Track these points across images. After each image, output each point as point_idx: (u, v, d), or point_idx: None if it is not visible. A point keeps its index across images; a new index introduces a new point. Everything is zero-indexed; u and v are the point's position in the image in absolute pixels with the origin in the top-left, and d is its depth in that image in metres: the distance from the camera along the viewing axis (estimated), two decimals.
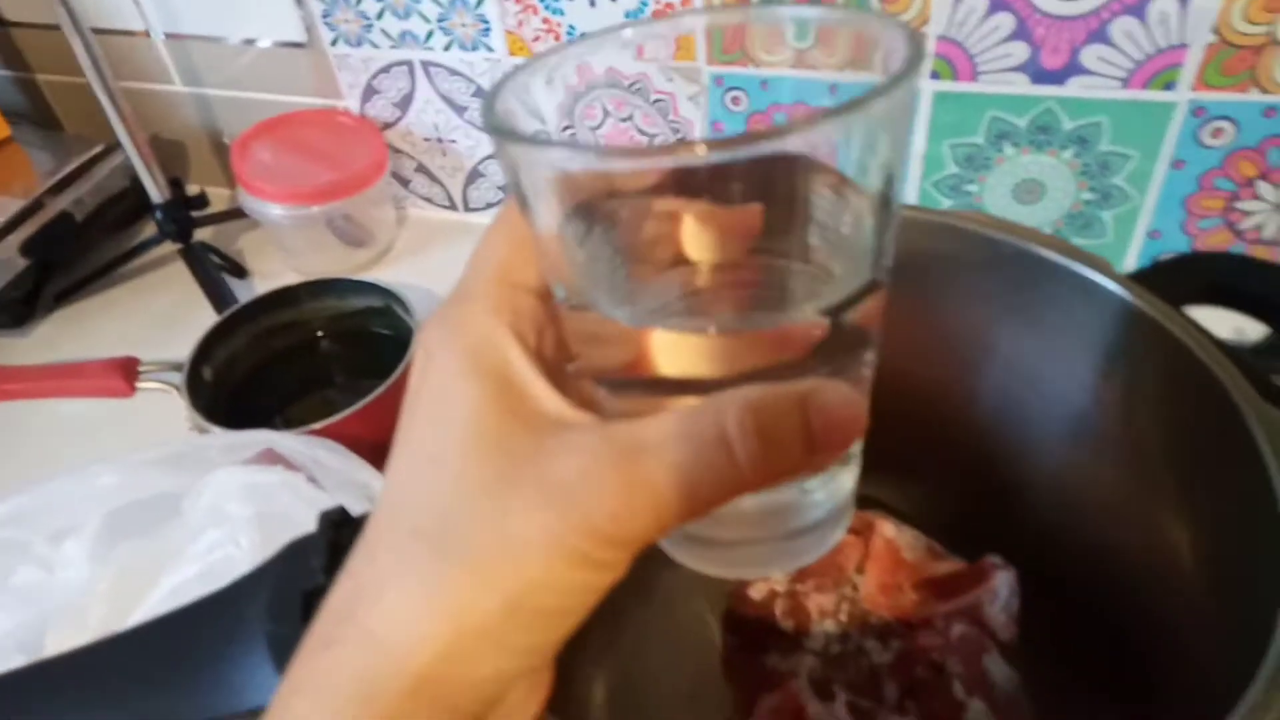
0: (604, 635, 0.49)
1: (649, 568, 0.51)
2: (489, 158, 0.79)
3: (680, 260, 0.22)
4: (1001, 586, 0.42)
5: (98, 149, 0.83)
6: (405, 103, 0.78)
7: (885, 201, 0.21)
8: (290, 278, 0.69)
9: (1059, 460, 0.44)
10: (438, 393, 0.22)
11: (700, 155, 0.17)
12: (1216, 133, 0.60)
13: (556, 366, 0.23)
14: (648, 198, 0.21)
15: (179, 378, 0.61)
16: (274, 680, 0.29)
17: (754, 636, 0.44)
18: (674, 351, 0.22)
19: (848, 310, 0.21)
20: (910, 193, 0.69)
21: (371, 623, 0.20)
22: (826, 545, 0.26)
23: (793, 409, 0.19)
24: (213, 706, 0.30)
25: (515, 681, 0.22)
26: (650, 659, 0.48)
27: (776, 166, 0.19)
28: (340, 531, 0.32)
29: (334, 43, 0.76)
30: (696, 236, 0.22)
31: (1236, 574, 0.34)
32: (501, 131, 0.20)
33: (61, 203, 0.79)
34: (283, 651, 0.29)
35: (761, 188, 0.20)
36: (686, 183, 0.19)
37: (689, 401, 0.20)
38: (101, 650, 0.33)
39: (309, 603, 0.30)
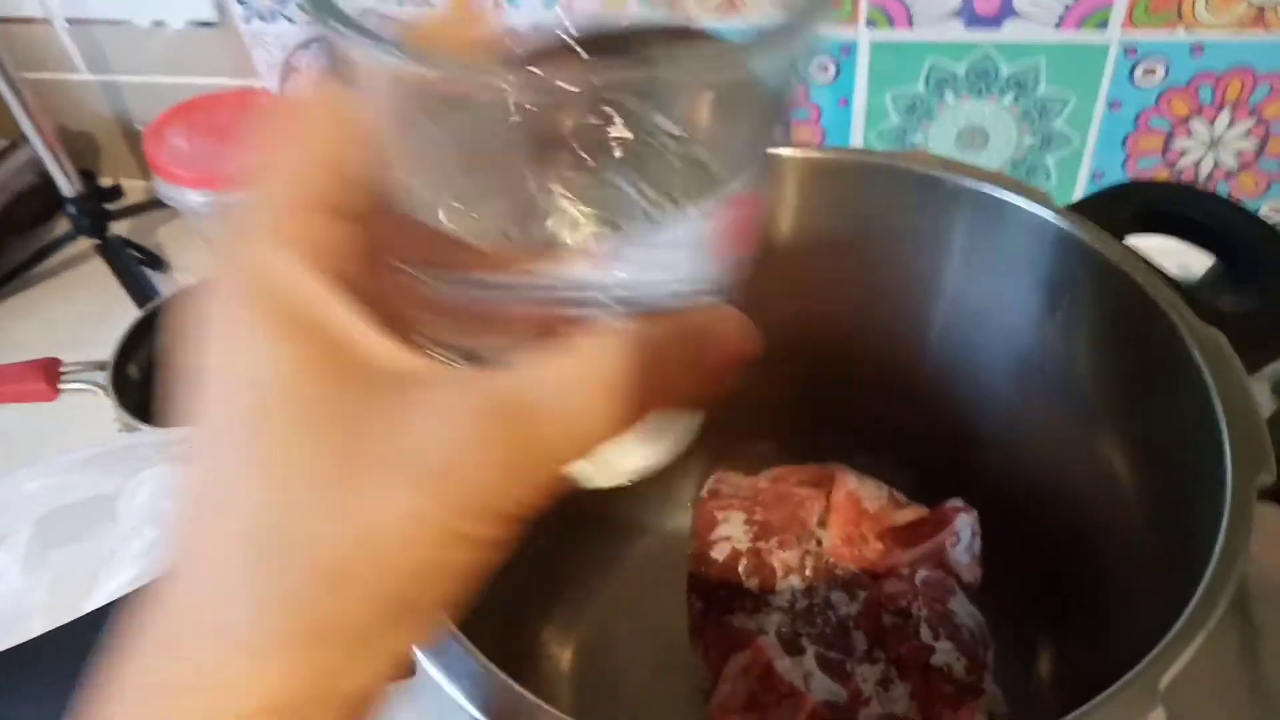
0: (570, 608, 0.48)
1: (615, 537, 0.51)
2: None
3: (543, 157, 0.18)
4: (963, 529, 0.42)
5: (2, 145, 0.79)
6: None
7: (766, 103, 0.18)
8: None
9: (1008, 401, 0.44)
10: (237, 358, 0.17)
11: (569, 81, 0.14)
12: (1149, 72, 0.61)
13: (382, 306, 0.18)
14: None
15: (104, 377, 0.58)
16: None
17: (720, 599, 0.43)
18: (539, 264, 0.17)
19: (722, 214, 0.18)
20: (855, 144, 0.68)
21: (204, 658, 0.16)
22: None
23: (685, 343, 0.18)
24: None
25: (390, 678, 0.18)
26: (618, 629, 0.47)
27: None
28: None
29: (248, 20, 0.73)
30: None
31: (1176, 499, 0.34)
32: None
33: None
34: None
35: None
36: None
37: (558, 331, 0.17)
38: (46, 644, 0.31)
39: None
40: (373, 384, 0.17)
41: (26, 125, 0.72)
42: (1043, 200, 0.38)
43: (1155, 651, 0.24)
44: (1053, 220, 0.38)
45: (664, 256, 0.18)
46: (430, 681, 0.27)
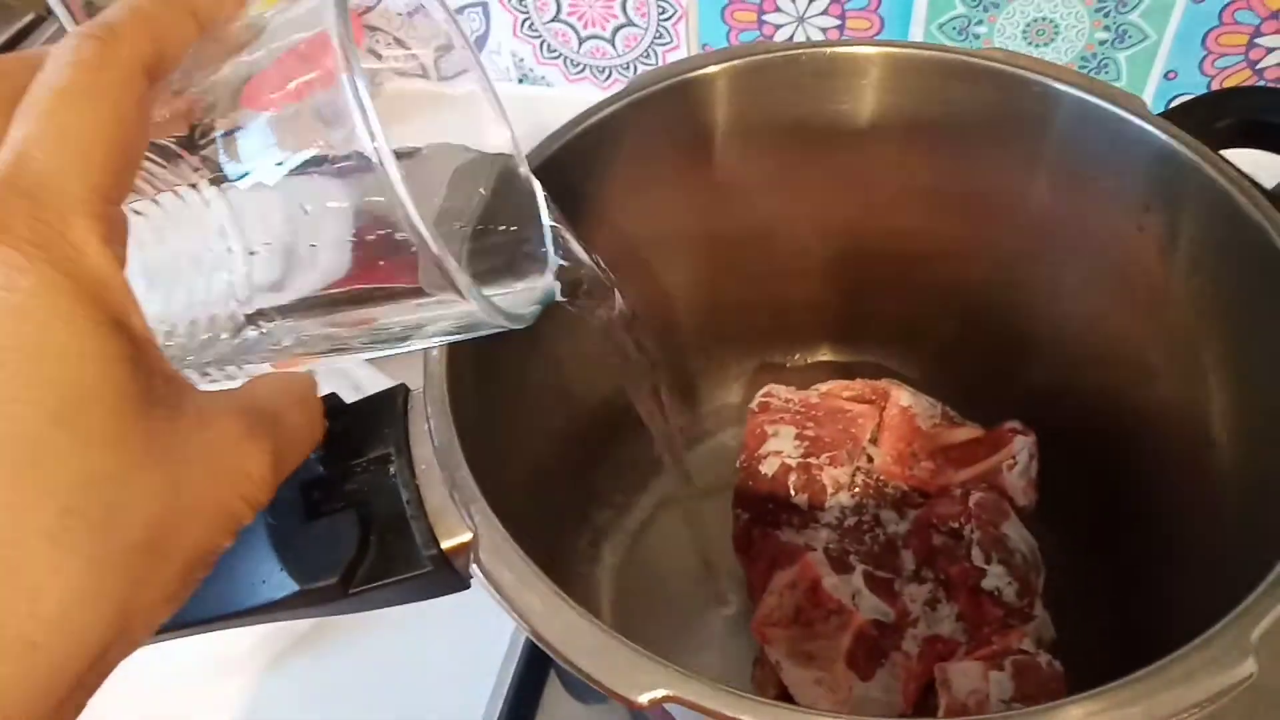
0: (611, 516, 0.48)
1: (647, 458, 0.50)
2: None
3: None
4: (1021, 452, 0.41)
5: (28, 18, 0.76)
6: None
7: None
8: None
9: (1086, 318, 0.42)
10: (58, 346, 0.17)
11: None
12: None
13: None
14: None
15: None
16: (280, 575, 0.28)
17: (766, 512, 0.43)
18: None
19: None
20: (914, 36, 0.64)
21: (31, 630, 0.16)
22: None
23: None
24: (220, 604, 0.29)
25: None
26: (660, 539, 0.47)
27: None
28: (335, 419, 0.30)
29: None
30: None
31: (1273, 435, 0.32)
32: None
33: None
34: (285, 545, 0.28)
35: None
36: None
37: None
38: None
39: (308, 494, 0.29)
40: (166, 385, 0.19)
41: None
42: (1138, 107, 0.36)
43: (1248, 601, 0.23)
44: (1148, 129, 0.35)
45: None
46: (475, 587, 0.27)
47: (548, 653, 0.24)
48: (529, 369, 0.40)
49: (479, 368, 0.33)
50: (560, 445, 0.43)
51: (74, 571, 0.17)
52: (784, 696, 0.38)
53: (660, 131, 0.41)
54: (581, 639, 0.23)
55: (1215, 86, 0.63)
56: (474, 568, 0.26)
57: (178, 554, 0.19)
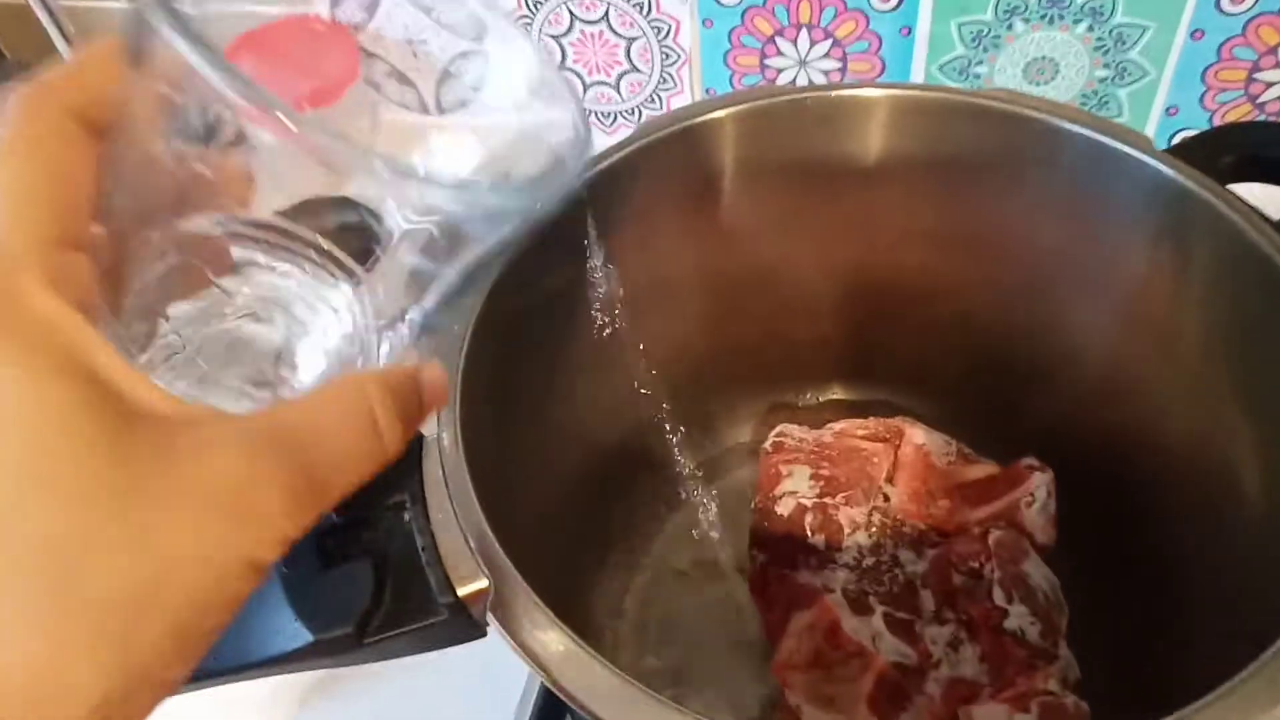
0: (627, 559, 0.48)
1: (674, 488, 0.50)
2: (460, 55, 0.75)
3: None
4: (1039, 489, 0.41)
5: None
6: (373, 4, 0.73)
7: None
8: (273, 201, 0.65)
9: (1097, 348, 0.41)
10: (9, 394, 0.17)
11: None
12: None
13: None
14: None
15: None
16: (294, 625, 0.28)
17: (784, 553, 0.42)
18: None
19: None
20: (915, 77, 0.65)
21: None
22: None
23: (413, 385, 0.21)
24: (233, 656, 0.29)
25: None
26: (676, 582, 0.47)
27: None
28: None
29: None
30: None
31: None
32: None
33: None
34: (299, 594, 0.28)
35: None
36: None
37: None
38: None
39: (322, 542, 0.29)
40: (146, 424, 0.17)
41: (68, 55, 0.71)
42: (1144, 145, 0.36)
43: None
44: (1155, 165, 0.35)
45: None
46: (491, 634, 0.27)
47: (566, 701, 0.23)
48: (546, 411, 0.40)
49: (495, 410, 0.33)
50: (576, 487, 0.43)
51: (36, 640, 0.16)
52: None
53: (668, 176, 0.42)
54: (600, 687, 0.23)
55: (1217, 121, 0.63)
56: (490, 616, 0.25)
57: (169, 607, 0.17)
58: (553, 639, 0.24)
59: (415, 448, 0.30)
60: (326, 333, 0.22)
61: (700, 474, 0.51)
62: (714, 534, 0.48)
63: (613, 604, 0.46)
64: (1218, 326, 0.35)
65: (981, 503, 0.42)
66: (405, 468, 0.30)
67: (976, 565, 0.39)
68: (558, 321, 0.41)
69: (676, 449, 0.50)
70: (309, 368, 0.22)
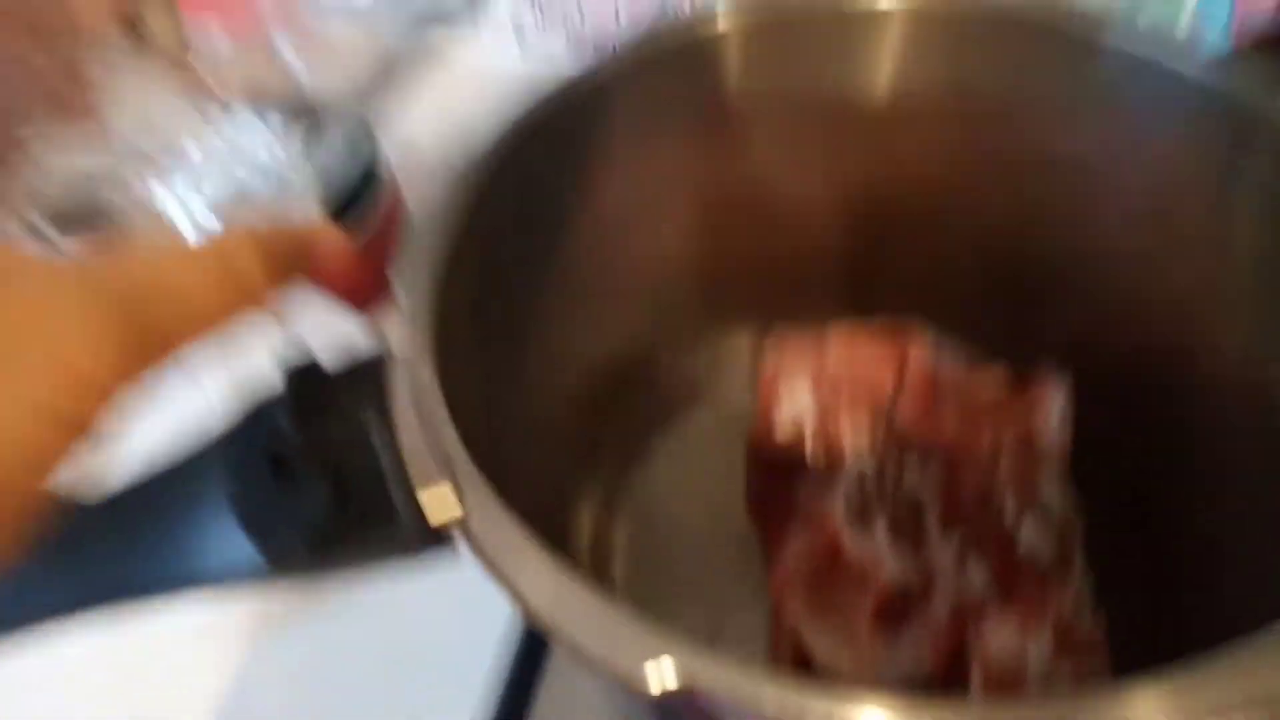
0: (616, 479, 0.46)
1: (663, 404, 0.48)
2: None
3: None
4: (1054, 401, 0.38)
5: None
6: None
7: None
8: None
9: (1128, 256, 0.38)
10: None
11: None
12: None
13: None
14: None
15: None
16: (240, 543, 0.26)
17: (781, 473, 0.40)
18: None
19: None
20: None
21: None
22: None
23: (292, 242, 0.22)
24: (179, 573, 0.28)
25: None
26: (668, 502, 0.45)
27: None
28: (310, 385, 0.28)
29: None
30: None
31: None
32: None
33: None
34: (249, 513, 0.26)
35: None
36: None
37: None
38: (62, 522, 0.30)
39: (276, 464, 0.26)
40: None
41: None
42: (1188, 53, 0.32)
43: None
44: (1197, 76, 0.32)
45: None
46: (464, 559, 0.25)
47: (548, 632, 0.21)
48: (529, 328, 0.37)
49: (473, 326, 0.31)
50: (562, 407, 0.40)
51: None
52: (803, 663, 0.36)
53: (665, 91, 0.39)
54: (578, 611, 0.21)
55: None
56: (459, 535, 0.23)
57: None
58: (528, 558, 0.22)
59: (383, 366, 0.27)
60: (200, 177, 0.21)
61: (695, 395, 0.49)
62: (709, 456, 0.46)
63: (602, 527, 0.44)
64: (1273, 246, 0.32)
65: (992, 414, 0.39)
66: (370, 385, 0.27)
67: (986, 481, 0.37)
68: (544, 234, 0.38)
69: (668, 370, 0.48)
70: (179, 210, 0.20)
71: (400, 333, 0.28)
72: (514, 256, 0.36)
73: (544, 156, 0.36)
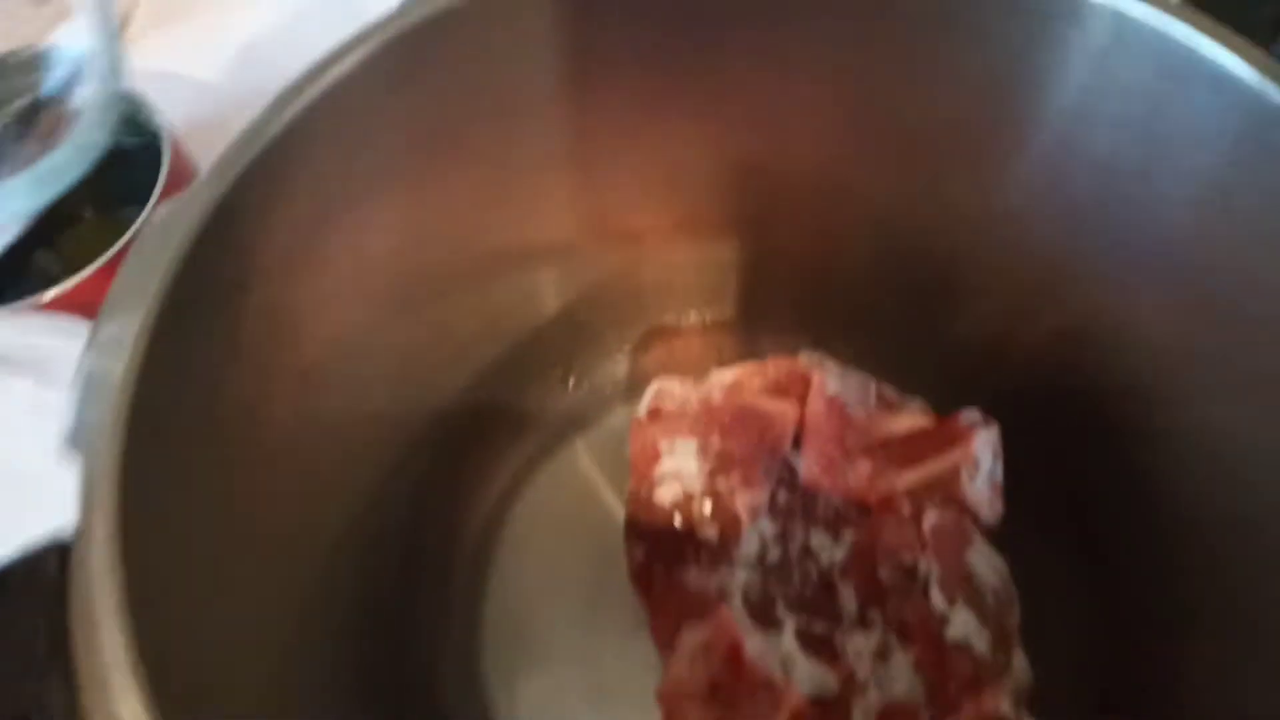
0: (475, 547, 0.38)
1: (525, 439, 0.40)
2: None
3: None
4: (983, 451, 0.32)
5: None
6: None
7: None
8: None
9: (1049, 251, 0.32)
10: None
11: None
12: None
13: None
14: None
15: None
16: None
17: (668, 548, 0.33)
18: None
19: None
20: None
21: None
22: None
23: None
24: None
25: None
26: (539, 566, 0.37)
27: None
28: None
29: None
30: None
31: None
32: None
33: None
34: None
35: None
36: None
37: None
38: None
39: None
40: None
41: None
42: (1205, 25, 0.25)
43: None
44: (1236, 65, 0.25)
45: None
46: None
47: None
48: (280, 424, 0.28)
49: (183, 472, 0.22)
50: (379, 501, 0.32)
51: None
52: None
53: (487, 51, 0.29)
54: None
55: None
56: None
57: None
58: None
59: (54, 569, 0.19)
60: None
61: (564, 420, 0.41)
62: (583, 498, 0.39)
63: (463, 622, 0.36)
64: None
65: (911, 463, 0.33)
66: (34, 605, 0.18)
67: (909, 558, 0.31)
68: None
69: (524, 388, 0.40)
70: None
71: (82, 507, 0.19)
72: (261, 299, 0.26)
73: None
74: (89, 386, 0.20)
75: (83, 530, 0.18)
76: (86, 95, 0.41)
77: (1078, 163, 0.30)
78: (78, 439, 0.19)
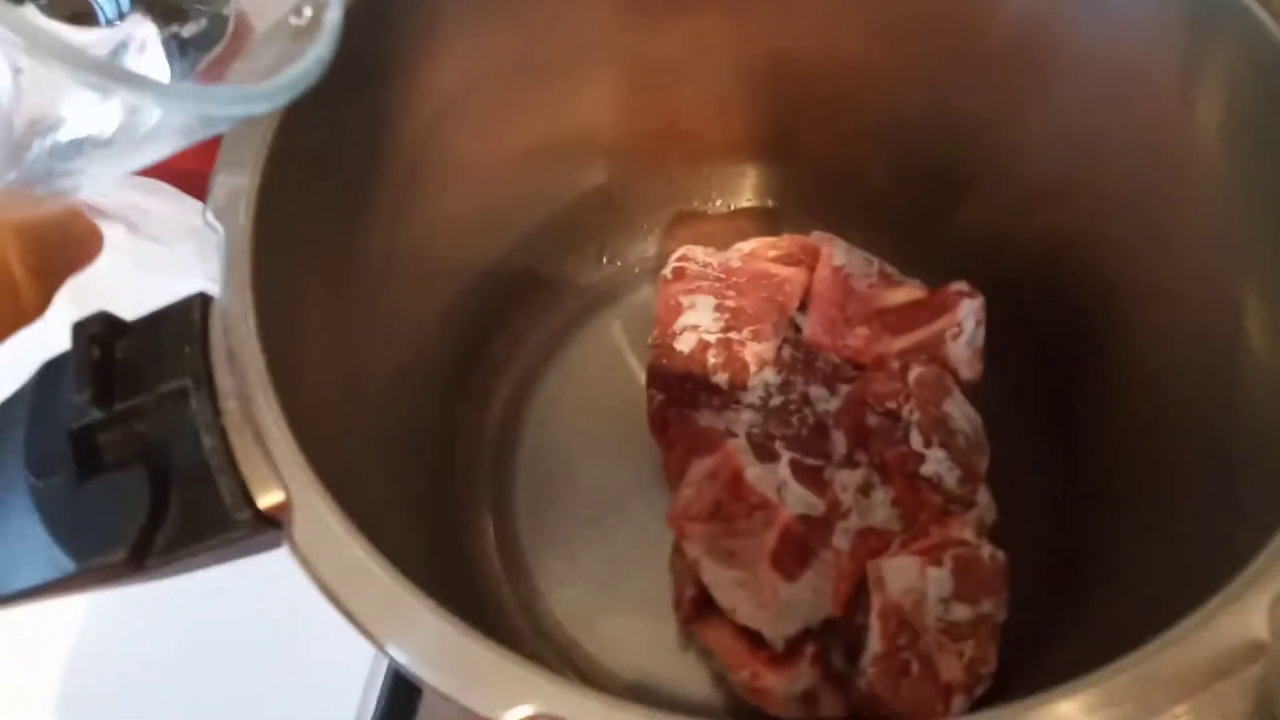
0: (515, 385, 0.43)
1: (565, 307, 0.44)
2: None
3: None
4: (967, 318, 0.36)
5: None
6: None
7: None
8: None
9: (1056, 157, 0.35)
10: None
11: None
12: None
13: None
14: None
15: None
16: (48, 549, 0.22)
17: (684, 392, 0.38)
18: None
19: None
20: None
21: None
22: None
23: (59, 235, 0.20)
24: None
25: None
26: (570, 411, 0.42)
27: None
28: (111, 345, 0.23)
29: None
30: None
31: None
32: None
33: None
34: (53, 511, 0.22)
35: None
36: None
37: None
38: None
39: (82, 445, 0.23)
40: None
41: None
42: None
43: (1264, 556, 0.19)
44: None
45: None
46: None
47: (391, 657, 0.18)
48: (386, 242, 0.33)
49: (304, 263, 0.26)
50: (436, 332, 0.37)
51: None
52: (703, 595, 0.35)
53: None
54: (428, 640, 0.18)
55: None
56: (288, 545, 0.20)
57: None
58: (369, 580, 0.19)
59: (198, 315, 0.23)
60: None
61: (596, 293, 0.45)
62: (615, 365, 0.43)
63: (501, 451, 0.41)
64: (1238, 148, 0.29)
65: (903, 331, 0.37)
66: (185, 340, 0.23)
67: (894, 405, 0.35)
68: (387, 123, 0.33)
69: (570, 277, 0.44)
70: None
71: (217, 271, 0.24)
72: (357, 155, 0.31)
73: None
74: (228, 163, 0.24)
75: (225, 279, 0.23)
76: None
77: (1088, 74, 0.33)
78: (221, 213, 0.24)
